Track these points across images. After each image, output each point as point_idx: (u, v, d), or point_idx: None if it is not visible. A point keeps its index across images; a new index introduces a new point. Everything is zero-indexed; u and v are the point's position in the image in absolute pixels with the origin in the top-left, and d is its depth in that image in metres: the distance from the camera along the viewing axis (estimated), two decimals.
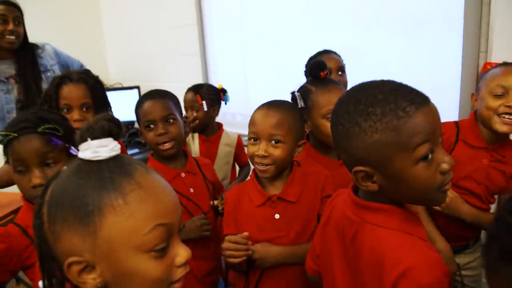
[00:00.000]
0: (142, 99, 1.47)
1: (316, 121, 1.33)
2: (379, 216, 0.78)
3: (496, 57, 1.77)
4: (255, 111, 1.23)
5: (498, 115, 1.32)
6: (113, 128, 0.64)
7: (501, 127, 1.32)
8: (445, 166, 0.73)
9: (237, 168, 2.22)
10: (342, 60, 1.83)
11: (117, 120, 0.66)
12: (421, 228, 0.78)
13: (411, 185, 0.74)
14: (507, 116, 1.31)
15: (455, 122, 1.49)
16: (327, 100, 1.29)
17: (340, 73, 1.79)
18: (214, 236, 1.52)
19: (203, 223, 1.45)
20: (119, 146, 0.65)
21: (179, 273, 0.66)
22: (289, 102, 1.29)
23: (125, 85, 3.72)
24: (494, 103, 1.32)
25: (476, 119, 1.44)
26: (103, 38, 4.00)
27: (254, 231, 1.20)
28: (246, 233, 1.16)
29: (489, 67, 1.72)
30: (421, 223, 0.80)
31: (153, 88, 1.58)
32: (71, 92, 1.50)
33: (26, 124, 1.03)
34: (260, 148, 1.17)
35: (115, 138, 0.65)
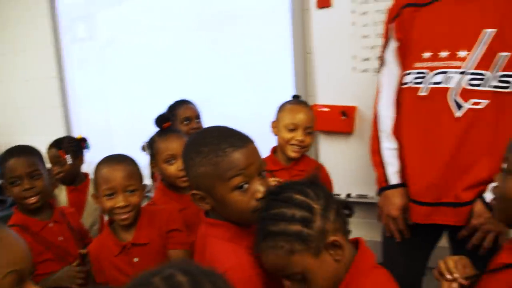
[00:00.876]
0: (6, 156, 1.52)
1: (159, 165, 1.55)
2: (218, 230, 1.00)
3: (321, 100, 2.22)
4: (100, 169, 1.35)
5: (291, 144, 1.66)
6: None
7: (292, 154, 1.66)
8: (258, 194, 0.96)
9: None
10: (198, 108, 2.09)
11: None
12: (248, 241, 0.99)
13: (231, 208, 0.96)
14: (296, 148, 1.66)
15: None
16: (165, 147, 1.54)
17: (197, 120, 2.05)
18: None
19: (77, 271, 1.46)
20: None
21: None
22: (124, 154, 1.44)
23: None
24: (288, 135, 1.66)
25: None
26: None
27: (118, 277, 1.33)
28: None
29: (317, 109, 2.16)
30: (249, 237, 1.00)
31: (13, 142, 1.63)
32: None
33: None
34: (120, 200, 1.31)
35: None
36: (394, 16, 1.46)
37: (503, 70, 1.24)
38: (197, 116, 2.08)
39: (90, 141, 2.23)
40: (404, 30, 1.42)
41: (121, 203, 1.30)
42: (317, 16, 2.14)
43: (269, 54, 2.30)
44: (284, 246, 0.86)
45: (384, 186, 1.47)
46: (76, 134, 2.32)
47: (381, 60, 1.54)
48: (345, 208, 0.95)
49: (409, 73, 1.40)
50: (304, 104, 1.74)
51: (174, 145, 1.54)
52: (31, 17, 3.15)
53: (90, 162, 2.48)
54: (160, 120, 1.61)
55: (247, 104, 2.39)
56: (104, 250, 1.37)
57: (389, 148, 1.46)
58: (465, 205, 1.31)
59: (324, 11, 2.11)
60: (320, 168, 1.78)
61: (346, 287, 0.90)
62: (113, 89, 2.88)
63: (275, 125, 1.73)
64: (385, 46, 1.52)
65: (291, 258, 0.87)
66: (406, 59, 1.42)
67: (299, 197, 0.90)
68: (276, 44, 2.27)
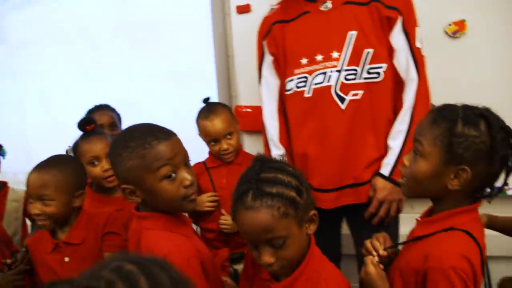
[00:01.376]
0: None
1: (85, 167, 1.54)
2: (149, 221, 1.06)
3: (244, 101, 2.31)
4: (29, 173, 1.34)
5: (221, 154, 1.78)
6: None
7: (227, 160, 1.80)
8: (186, 182, 1.04)
9: (29, 222, 2.21)
10: (115, 114, 2.06)
11: None
12: (184, 228, 1.08)
13: (161, 197, 1.03)
14: (227, 155, 1.78)
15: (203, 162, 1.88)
16: (88, 149, 1.57)
17: (112, 127, 2.00)
18: None
19: (14, 278, 1.42)
20: None
21: None
22: (63, 159, 1.44)
23: None
24: (213, 148, 1.79)
25: None
26: None
27: (49, 275, 1.33)
28: None
29: (240, 109, 2.26)
30: (184, 224, 1.10)
31: None
32: None
33: None
34: (35, 208, 1.31)
35: None
36: (265, 33, 1.62)
37: (370, 63, 1.44)
38: (112, 124, 2.02)
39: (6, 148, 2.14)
40: (276, 45, 1.58)
41: (35, 211, 1.31)
42: (237, 20, 2.23)
43: (193, 57, 2.37)
44: (281, 207, 0.92)
45: None
46: None
47: (259, 74, 1.67)
48: None
49: (291, 80, 1.54)
50: (216, 110, 1.78)
51: (96, 147, 1.57)
52: None
53: (5, 172, 2.39)
54: (83, 123, 1.62)
55: (172, 107, 2.42)
56: (39, 246, 1.38)
57: (278, 155, 1.59)
58: (364, 184, 1.48)
59: (244, 15, 2.21)
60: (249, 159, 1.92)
61: (306, 266, 0.99)
62: (29, 94, 2.76)
63: (200, 136, 1.83)
64: (260, 61, 1.65)
65: (282, 221, 0.92)
66: (286, 69, 1.56)
67: (291, 169, 0.98)
68: (199, 48, 2.34)
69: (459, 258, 0.93)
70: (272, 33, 1.59)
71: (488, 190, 1.03)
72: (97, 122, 1.84)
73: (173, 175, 1.04)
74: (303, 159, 1.54)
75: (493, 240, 1.21)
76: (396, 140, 1.45)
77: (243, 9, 2.21)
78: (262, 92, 1.65)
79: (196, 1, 2.29)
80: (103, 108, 2.05)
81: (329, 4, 1.50)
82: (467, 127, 0.96)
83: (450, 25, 1.93)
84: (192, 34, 2.34)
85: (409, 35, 1.46)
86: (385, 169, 1.46)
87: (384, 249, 1.06)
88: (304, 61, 1.50)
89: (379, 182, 1.46)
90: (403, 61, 1.46)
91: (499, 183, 1.02)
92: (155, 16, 2.40)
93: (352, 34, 1.45)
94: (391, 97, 1.48)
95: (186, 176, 1.05)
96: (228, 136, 1.77)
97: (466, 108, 1.00)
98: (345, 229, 1.69)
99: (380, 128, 1.48)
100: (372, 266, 1.01)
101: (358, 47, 1.44)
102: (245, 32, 2.22)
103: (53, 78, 2.65)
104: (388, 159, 1.46)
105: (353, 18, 1.46)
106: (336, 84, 1.46)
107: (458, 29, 1.93)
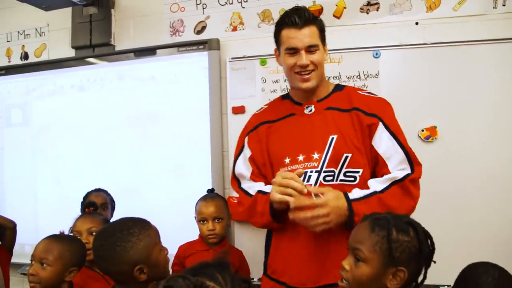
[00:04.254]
0: None
1: None
2: None
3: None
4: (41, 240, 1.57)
5: (207, 235, 2.02)
6: None
7: (210, 241, 2.03)
8: None
9: None
10: (108, 197, 2.39)
11: None
12: None
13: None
14: (211, 236, 2.02)
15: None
16: (74, 225, 1.84)
17: (104, 207, 2.31)
18: None
19: None
20: None
21: None
22: (71, 237, 1.68)
23: None
24: (202, 227, 2.04)
25: None
26: None
27: None
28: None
29: (232, 200, 2.40)
30: None
31: None
32: None
33: None
34: (33, 268, 1.48)
35: None
36: (249, 130, 1.69)
37: (347, 167, 1.49)
38: (103, 205, 2.32)
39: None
40: (259, 142, 1.62)
41: (31, 271, 1.48)
42: (232, 120, 2.48)
43: (192, 150, 2.56)
44: None
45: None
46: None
47: (234, 162, 1.72)
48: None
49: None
50: (213, 196, 2.09)
51: (78, 223, 1.82)
52: None
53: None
54: (84, 206, 2.00)
55: (169, 195, 2.58)
56: None
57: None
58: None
59: (239, 116, 2.46)
60: (232, 250, 2.12)
61: None
62: (43, 173, 2.94)
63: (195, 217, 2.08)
64: (238, 153, 1.71)
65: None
66: (273, 167, 1.58)
67: (211, 284, 0.98)
68: (197, 142, 2.54)
69: None
70: (257, 131, 1.66)
71: (414, 284, 1.18)
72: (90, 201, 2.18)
73: None
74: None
75: None
76: (377, 184, 1.46)
77: (238, 110, 2.47)
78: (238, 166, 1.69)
79: (197, 101, 2.53)
80: (99, 191, 2.40)
81: (312, 108, 1.58)
82: (401, 234, 1.12)
83: (422, 130, 2.16)
84: (192, 129, 2.56)
85: (396, 135, 1.50)
86: (353, 194, 1.44)
87: None
88: (287, 160, 1.54)
89: (338, 195, 1.41)
90: (394, 161, 1.49)
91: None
92: (162, 112, 2.64)
93: (333, 138, 1.50)
94: None
95: None
96: (217, 220, 2.03)
97: (395, 217, 1.16)
98: None
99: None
100: None
101: (337, 150, 1.49)
102: (239, 130, 2.45)
103: (65, 160, 2.84)
104: (360, 192, 1.45)
105: (334, 123, 1.53)
106: (315, 184, 1.48)
107: (430, 134, 2.15)
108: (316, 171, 1.49)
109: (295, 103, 1.63)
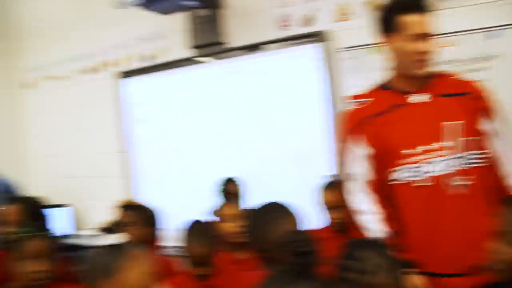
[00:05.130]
0: None
1: None
2: None
3: None
4: None
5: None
6: None
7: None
8: None
9: None
10: (240, 185, 2.72)
11: None
12: None
13: None
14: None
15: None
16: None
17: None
18: None
19: None
20: None
21: None
22: None
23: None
24: (333, 215, 2.12)
25: None
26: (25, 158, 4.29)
27: None
28: None
29: None
30: None
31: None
32: None
33: None
34: None
35: None
36: (354, 126, 1.62)
37: (473, 150, 1.53)
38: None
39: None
40: (374, 138, 1.58)
41: None
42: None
43: (309, 140, 2.78)
44: None
45: None
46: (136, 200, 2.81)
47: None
48: None
49: (395, 171, 1.56)
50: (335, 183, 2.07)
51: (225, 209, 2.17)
52: (99, 101, 3.77)
53: None
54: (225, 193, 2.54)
55: (291, 181, 2.83)
56: None
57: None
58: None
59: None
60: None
61: None
62: (170, 163, 3.36)
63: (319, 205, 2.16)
64: (346, 156, 1.65)
65: None
66: (387, 160, 1.58)
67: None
68: (314, 131, 2.74)
69: None
70: (364, 126, 1.61)
71: None
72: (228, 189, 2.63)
73: None
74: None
75: None
76: None
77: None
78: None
79: (310, 92, 2.73)
80: (232, 180, 2.74)
81: (424, 97, 1.57)
82: None
83: None
84: (307, 121, 2.77)
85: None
86: None
87: None
88: (407, 151, 1.53)
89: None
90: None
91: None
92: (277, 104, 2.87)
93: (450, 124, 1.53)
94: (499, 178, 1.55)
95: None
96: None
97: None
98: None
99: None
100: None
101: (458, 135, 1.52)
102: None
103: (192, 152, 3.24)
104: None
105: (448, 110, 1.55)
106: (445, 172, 1.51)
107: None
108: (443, 160, 1.51)
109: (401, 93, 1.60)
